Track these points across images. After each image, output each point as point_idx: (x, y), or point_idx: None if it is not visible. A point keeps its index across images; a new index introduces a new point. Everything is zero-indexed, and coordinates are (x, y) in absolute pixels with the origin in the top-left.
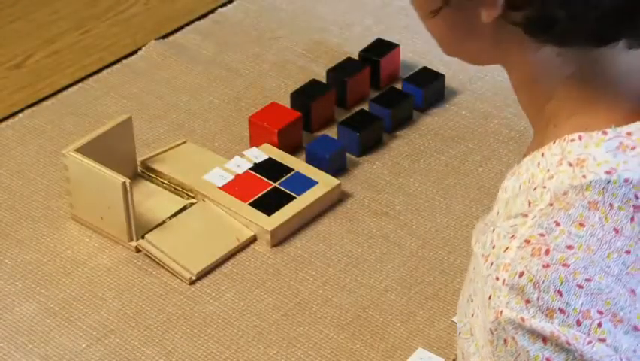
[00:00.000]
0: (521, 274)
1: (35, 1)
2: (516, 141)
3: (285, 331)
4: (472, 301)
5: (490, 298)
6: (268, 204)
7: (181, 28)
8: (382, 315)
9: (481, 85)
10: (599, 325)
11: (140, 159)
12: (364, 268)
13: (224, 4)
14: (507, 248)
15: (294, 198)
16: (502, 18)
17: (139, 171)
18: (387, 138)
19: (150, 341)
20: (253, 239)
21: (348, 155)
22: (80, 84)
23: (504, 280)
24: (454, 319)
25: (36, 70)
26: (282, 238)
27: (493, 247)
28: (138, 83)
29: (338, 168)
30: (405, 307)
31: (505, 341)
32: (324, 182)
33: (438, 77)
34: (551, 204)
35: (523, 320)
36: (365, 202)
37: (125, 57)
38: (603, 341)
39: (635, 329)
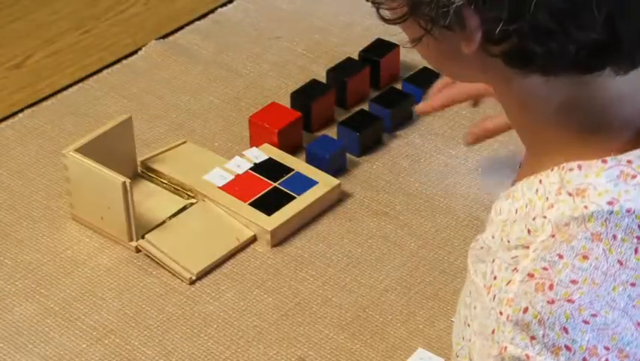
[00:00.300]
0: (525, 310)
1: (35, 1)
2: (516, 141)
3: (285, 331)
4: (468, 326)
5: (493, 332)
6: (268, 204)
7: (181, 28)
8: (382, 315)
9: None
10: None
11: (140, 159)
12: (364, 268)
13: (224, 4)
14: (510, 281)
15: (294, 198)
16: (482, 51)
17: (139, 171)
18: (387, 138)
19: (150, 341)
20: (253, 239)
21: (348, 155)
22: (80, 84)
23: (508, 316)
24: (454, 319)
25: (36, 70)
26: (282, 238)
27: (495, 278)
28: (138, 83)
29: (338, 168)
30: (405, 307)
31: None
32: (324, 182)
33: (438, 77)
34: (553, 236)
35: (528, 357)
36: (365, 202)
37: (125, 57)
38: None
39: None
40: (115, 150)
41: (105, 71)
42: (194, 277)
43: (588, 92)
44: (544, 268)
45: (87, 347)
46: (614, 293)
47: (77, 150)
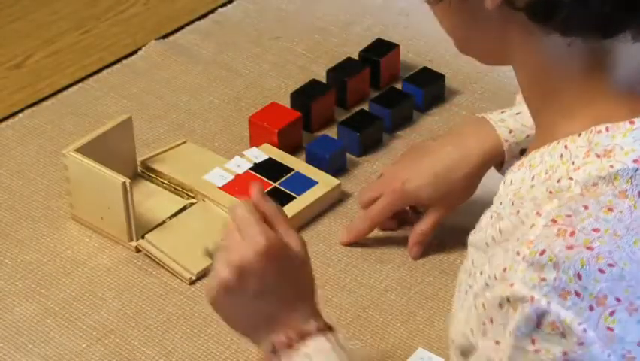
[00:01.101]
0: (542, 253)
1: (35, 1)
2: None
3: None
4: (466, 293)
5: (505, 270)
6: None
7: (181, 28)
8: (382, 315)
9: (481, 85)
10: (611, 313)
11: (140, 159)
12: (364, 268)
13: (224, 4)
14: (533, 225)
15: (294, 198)
16: (506, 4)
17: (139, 171)
18: (387, 138)
19: (150, 341)
20: None
21: (348, 155)
22: (80, 84)
23: (524, 256)
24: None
25: (36, 70)
26: None
27: (522, 223)
28: (138, 83)
29: (338, 168)
30: (405, 307)
31: (501, 305)
32: (324, 182)
33: (438, 77)
34: (582, 195)
35: (532, 298)
36: None
37: (125, 57)
38: (611, 330)
39: None
40: (115, 150)
41: (105, 71)
42: (194, 277)
43: (609, 58)
44: (568, 215)
45: (87, 347)
46: (635, 247)
47: (77, 150)
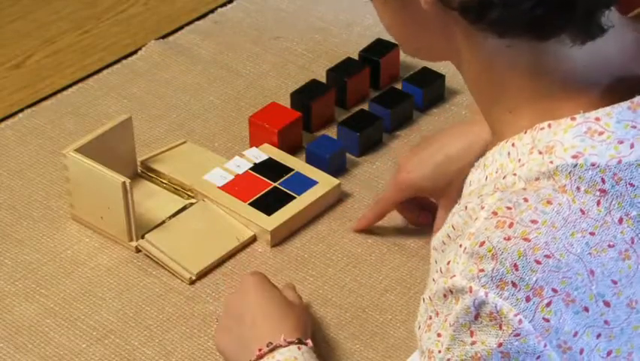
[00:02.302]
0: (482, 244)
1: (35, 1)
2: None
3: None
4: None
5: (449, 263)
6: (268, 204)
7: (181, 28)
8: (382, 315)
9: None
10: (548, 304)
11: (140, 159)
12: (364, 268)
13: (224, 4)
14: (476, 218)
15: (294, 198)
16: (439, 3)
17: (139, 171)
18: (387, 138)
19: (150, 341)
20: (253, 239)
21: (348, 155)
22: (80, 84)
23: (465, 248)
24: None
25: (36, 70)
26: (282, 238)
27: (470, 217)
28: (138, 83)
29: (338, 168)
30: (405, 307)
31: (445, 296)
32: (324, 182)
33: (438, 77)
34: (524, 189)
35: (471, 289)
36: (365, 202)
37: (125, 57)
38: (547, 320)
39: (586, 309)
40: (115, 150)
41: (105, 71)
42: (194, 277)
43: (552, 60)
44: (508, 208)
45: (87, 347)
46: (571, 238)
47: (77, 150)
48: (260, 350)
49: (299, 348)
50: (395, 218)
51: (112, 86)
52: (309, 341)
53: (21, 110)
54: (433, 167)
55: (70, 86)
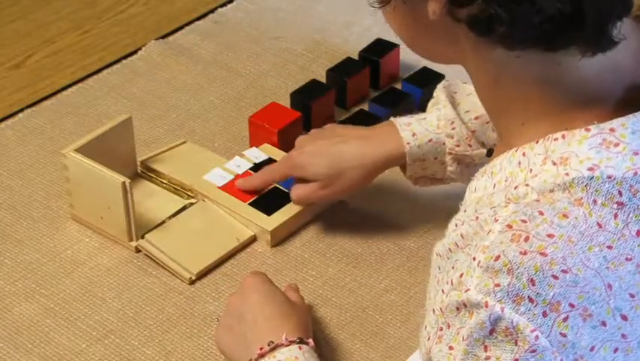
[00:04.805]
0: (497, 258)
1: (35, 1)
2: None
3: None
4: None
5: (461, 276)
6: (268, 204)
7: (181, 28)
8: (382, 315)
9: None
10: (565, 319)
11: (140, 159)
12: (364, 268)
13: (224, 4)
14: (490, 231)
15: None
16: (448, 15)
17: (139, 171)
18: None
19: (150, 341)
20: (253, 239)
21: None
22: (80, 84)
23: (479, 262)
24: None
25: (36, 70)
26: (282, 238)
27: (482, 228)
28: (138, 83)
29: None
30: (405, 307)
31: (458, 309)
32: None
33: (438, 77)
34: (538, 201)
35: (487, 304)
36: (365, 202)
37: (125, 57)
38: (564, 336)
39: (603, 324)
40: (115, 150)
41: (105, 71)
42: (194, 277)
43: (562, 70)
44: (523, 221)
45: (87, 347)
46: (589, 253)
47: (77, 150)
48: (261, 348)
49: (300, 348)
50: (395, 218)
51: (112, 86)
52: (311, 341)
53: (21, 110)
54: (327, 157)
55: (70, 86)
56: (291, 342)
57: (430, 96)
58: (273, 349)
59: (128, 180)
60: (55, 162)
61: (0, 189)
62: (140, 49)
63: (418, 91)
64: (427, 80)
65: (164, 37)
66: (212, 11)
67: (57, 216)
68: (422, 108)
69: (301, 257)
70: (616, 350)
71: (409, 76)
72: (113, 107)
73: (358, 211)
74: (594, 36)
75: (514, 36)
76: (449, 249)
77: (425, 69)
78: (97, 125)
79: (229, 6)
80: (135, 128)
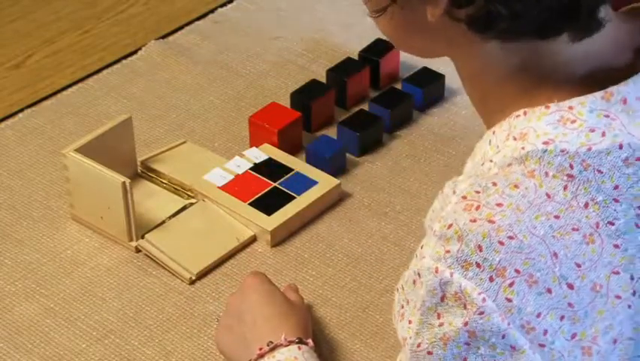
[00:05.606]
0: (450, 226)
1: (35, 1)
2: None
3: None
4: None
5: (422, 247)
6: (268, 204)
7: (181, 28)
8: (382, 315)
9: None
10: (510, 284)
11: (140, 159)
12: (364, 268)
13: (224, 4)
14: (449, 203)
15: (294, 198)
16: (447, 15)
17: (139, 171)
18: (387, 138)
19: (150, 341)
20: (253, 239)
21: (348, 155)
22: (80, 84)
23: (435, 231)
24: None
25: (36, 70)
26: (282, 238)
27: (445, 203)
28: (138, 83)
29: (338, 168)
30: None
31: (414, 283)
32: (324, 182)
33: (438, 77)
34: (496, 174)
35: (437, 270)
36: (365, 202)
37: (125, 57)
38: (510, 300)
39: (549, 291)
40: (115, 150)
41: (105, 71)
42: (194, 277)
43: (540, 57)
44: (477, 192)
45: (87, 347)
46: (535, 221)
47: (77, 150)
48: (260, 349)
49: (299, 348)
50: (395, 218)
51: (112, 86)
52: (310, 341)
53: (21, 110)
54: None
55: (70, 86)
56: (290, 342)
57: (429, 96)
58: (272, 349)
59: (128, 180)
60: (55, 162)
61: (0, 189)
62: (140, 49)
63: (417, 91)
64: (427, 80)
65: (164, 37)
66: (212, 11)
67: (57, 216)
68: (422, 108)
69: (301, 257)
70: (562, 317)
71: (409, 76)
72: (113, 107)
73: (358, 211)
74: (585, 21)
75: (512, 30)
76: (427, 227)
77: (425, 69)
78: (97, 125)
79: (229, 6)
80: (135, 128)
